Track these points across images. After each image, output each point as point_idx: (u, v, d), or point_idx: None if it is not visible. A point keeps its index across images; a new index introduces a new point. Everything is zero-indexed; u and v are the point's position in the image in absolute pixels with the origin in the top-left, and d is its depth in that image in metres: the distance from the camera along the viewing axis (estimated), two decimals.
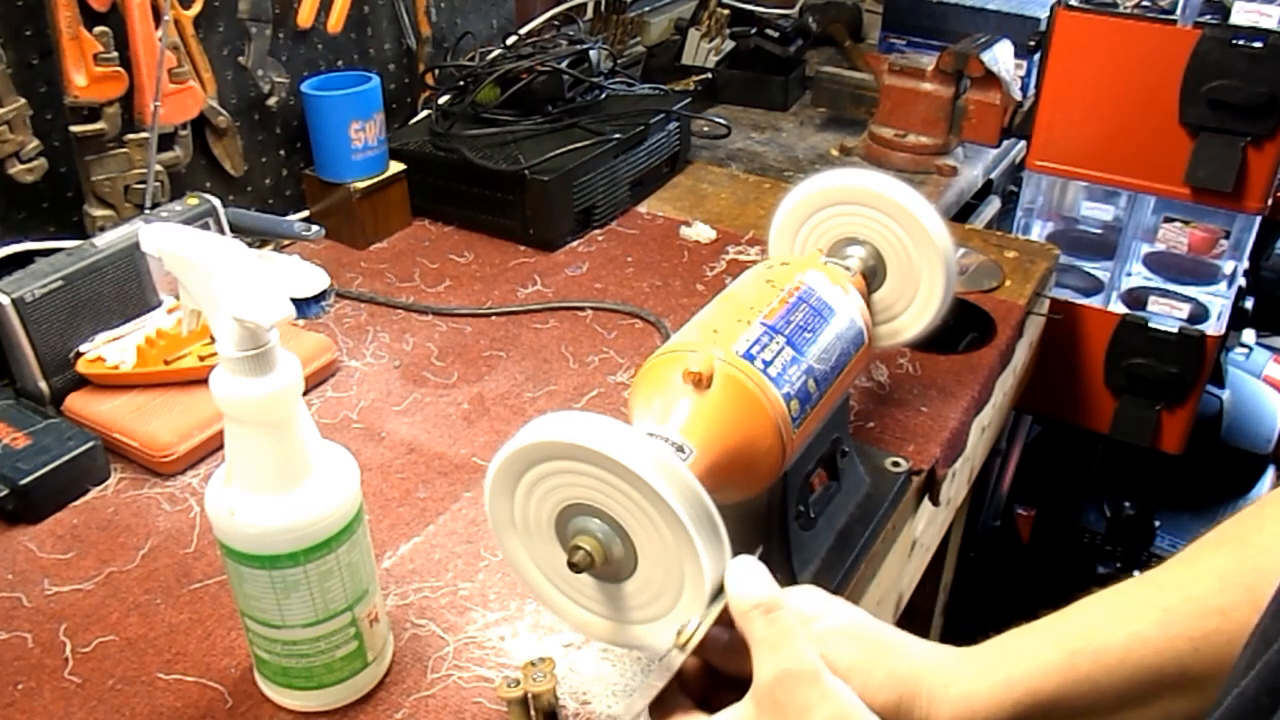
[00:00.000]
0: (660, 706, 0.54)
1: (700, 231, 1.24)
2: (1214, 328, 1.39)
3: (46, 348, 0.90)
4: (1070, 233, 1.55)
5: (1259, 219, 1.33)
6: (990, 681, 0.54)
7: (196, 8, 1.07)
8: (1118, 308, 1.44)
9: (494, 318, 1.10)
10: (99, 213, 1.03)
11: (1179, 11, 1.23)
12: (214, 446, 0.88)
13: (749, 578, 0.53)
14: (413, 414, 0.95)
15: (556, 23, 1.53)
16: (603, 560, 0.56)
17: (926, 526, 0.98)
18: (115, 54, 0.99)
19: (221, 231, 1.02)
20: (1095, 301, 1.45)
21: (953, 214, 1.44)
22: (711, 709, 0.53)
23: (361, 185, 1.20)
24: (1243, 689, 0.38)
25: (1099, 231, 1.54)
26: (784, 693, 0.50)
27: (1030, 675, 0.54)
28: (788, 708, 0.50)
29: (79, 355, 0.91)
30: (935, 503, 0.93)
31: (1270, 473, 1.88)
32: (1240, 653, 0.41)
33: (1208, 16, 1.22)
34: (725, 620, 0.54)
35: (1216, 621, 0.51)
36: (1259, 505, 0.55)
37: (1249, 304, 1.46)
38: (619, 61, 1.47)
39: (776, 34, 1.66)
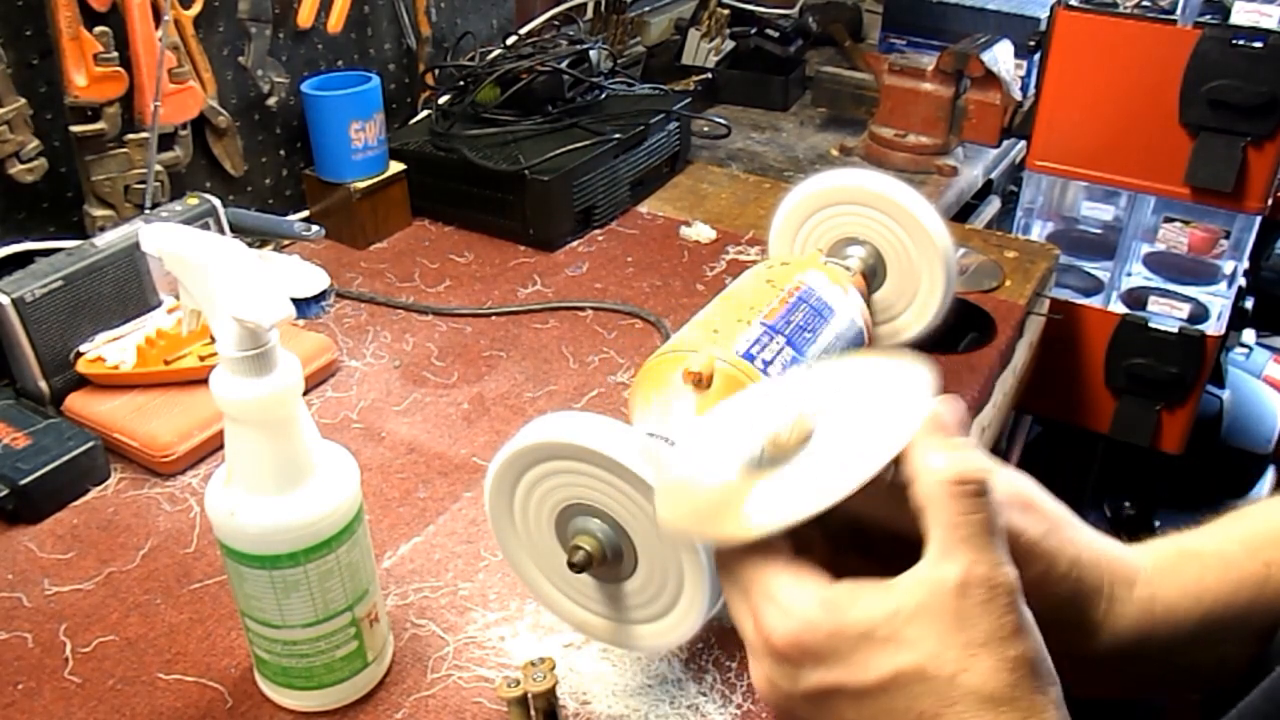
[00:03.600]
0: (762, 551, 0.41)
1: (700, 231, 1.24)
2: (1214, 328, 1.39)
3: (46, 348, 0.90)
4: (1070, 233, 1.55)
5: (1259, 219, 1.33)
6: (1180, 587, 0.47)
7: (196, 8, 1.07)
8: (1118, 308, 1.44)
9: (494, 318, 1.10)
10: (99, 213, 1.03)
11: (1179, 11, 1.23)
12: (214, 446, 0.88)
13: (956, 442, 0.41)
14: (413, 414, 0.95)
15: (556, 23, 1.53)
16: (603, 560, 0.56)
17: None
18: (115, 54, 0.99)
19: (221, 231, 1.02)
20: (1095, 301, 1.45)
21: (953, 214, 1.44)
22: (840, 576, 0.40)
23: (361, 185, 1.20)
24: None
25: (1099, 231, 1.54)
26: (972, 606, 0.38)
27: (1224, 585, 0.47)
28: (971, 626, 0.38)
29: (79, 355, 0.91)
30: None
31: (1270, 473, 1.88)
32: None
33: (1208, 16, 1.23)
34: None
35: None
36: None
37: (1249, 304, 1.46)
38: (619, 61, 1.47)
39: (776, 34, 1.66)
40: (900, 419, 0.41)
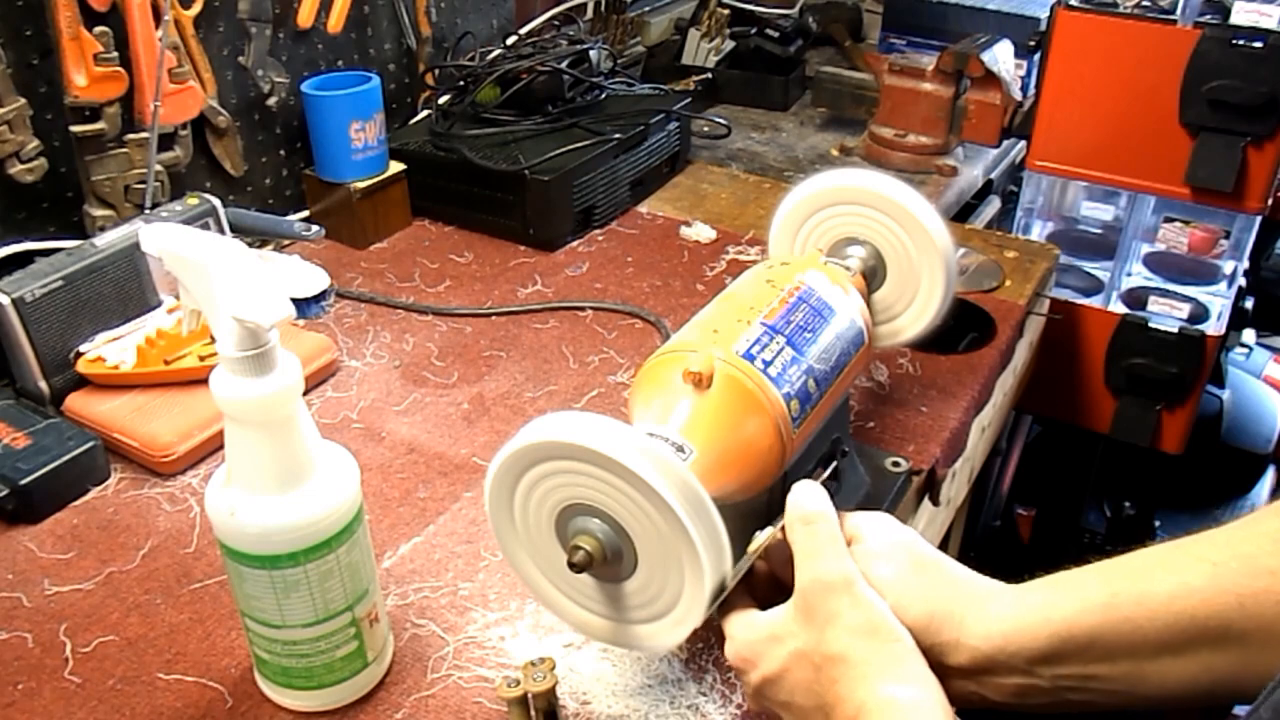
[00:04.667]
0: (726, 604, 0.58)
1: (700, 231, 1.24)
2: (1214, 328, 1.39)
3: (46, 348, 0.90)
4: (1070, 233, 1.55)
5: (1259, 219, 1.33)
6: (1028, 611, 0.55)
7: (196, 8, 1.07)
8: (1118, 308, 1.44)
9: (494, 318, 1.10)
10: (99, 213, 1.03)
11: (1179, 11, 1.23)
12: (214, 446, 0.88)
13: (804, 494, 0.58)
14: (413, 414, 0.95)
15: (556, 23, 1.53)
16: (603, 560, 0.56)
17: (926, 526, 0.98)
18: (115, 54, 0.99)
19: (221, 231, 1.02)
20: (1095, 301, 1.45)
21: (953, 214, 1.44)
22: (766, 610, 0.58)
23: (361, 185, 1.20)
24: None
25: (1099, 231, 1.54)
26: (815, 598, 0.54)
27: (1070, 609, 0.54)
28: (818, 612, 0.54)
29: (79, 355, 0.91)
30: (935, 503, 0.93)
31: (1270, 473, 1.88)
32: None
33: (1208, 16, 1.22)
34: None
35: (1267, 581, 0.50)
36: None
37: (1249, 304, 1.46)
38: (619, 61, 1.47)
39: (776, 34, 1.66)
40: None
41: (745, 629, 0.58)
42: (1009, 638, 0.54)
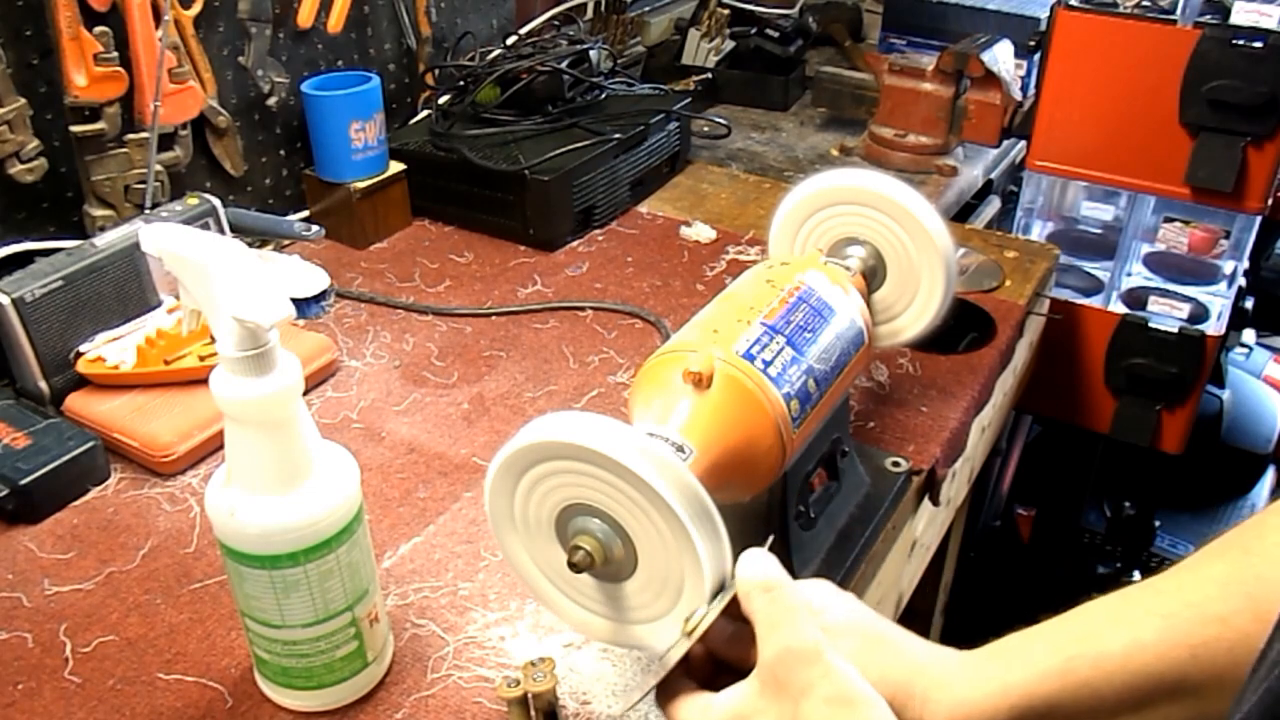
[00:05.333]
0: (666, 690, 0.55)
1: (700, 231, 1.24)
2: (1214, 328, 1.39)
3: (46, 348, 0.90)
4: (1070, 233, 1.55)
5: (1259, 219, 1.33)
6: (986, 685, 0.54)
7: (196, 8, 1.07)
8: (1118, 308, 1.44)
9: (494, 318, 1.10)
10: (99, 213, 1.03)
11: (1179, 11, 1.23)
12: (214, 446, 0.88)
13: (757, 562, 0.54)
14: (413, 414, 0.95)
15: (556, 23, 1.53)
16: (603, 560, 0.56)
17: (926, 526, 0.98)
18: (115, 54, 0.99)
19: (221, 231, 1.02)
20: (1095, 301, 1.45)
21: (953, 214, 1.44)
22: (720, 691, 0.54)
23: (361, 185, 1.20)
24: (1245, 714, 0.38)
25: (1099, 231, 1.54)
26: (785, 670, 0.51)
27: (1027, 679, 0.53)
28: (789, 685, 0.51)
29: (79, 355, 0.91)
30: (935, 503, 0.93)
31: (1270, 473, 1.88)
32: (1247, 677, 0.41)
33: (1208, 16, 1.22)
34: (732, 613, 0.54)
35: (1216, 629, 0.50)
36: (1263, 514, 0.54)
37: (1249, 304, 1.46)
38: (619, 61, 1.47)
39: (776, 34, 1.66)
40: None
41: (699, 714, 0.54)
42: (970, 715, 0.54)
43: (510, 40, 1.36)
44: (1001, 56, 1.42)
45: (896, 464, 0.86)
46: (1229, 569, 0.52)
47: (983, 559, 1.73)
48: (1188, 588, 0.53)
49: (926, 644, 0.57)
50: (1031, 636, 0.56)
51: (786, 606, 0.52)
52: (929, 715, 0.54)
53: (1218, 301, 1.43)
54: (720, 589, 0.55)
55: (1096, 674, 0.52)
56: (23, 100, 0.96)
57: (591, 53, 1.33)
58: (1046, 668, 0.53)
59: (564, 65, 1.29)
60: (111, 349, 0.92)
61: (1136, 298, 1.45)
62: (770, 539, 0.57)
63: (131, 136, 1.03)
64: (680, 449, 0.60)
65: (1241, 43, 1.18)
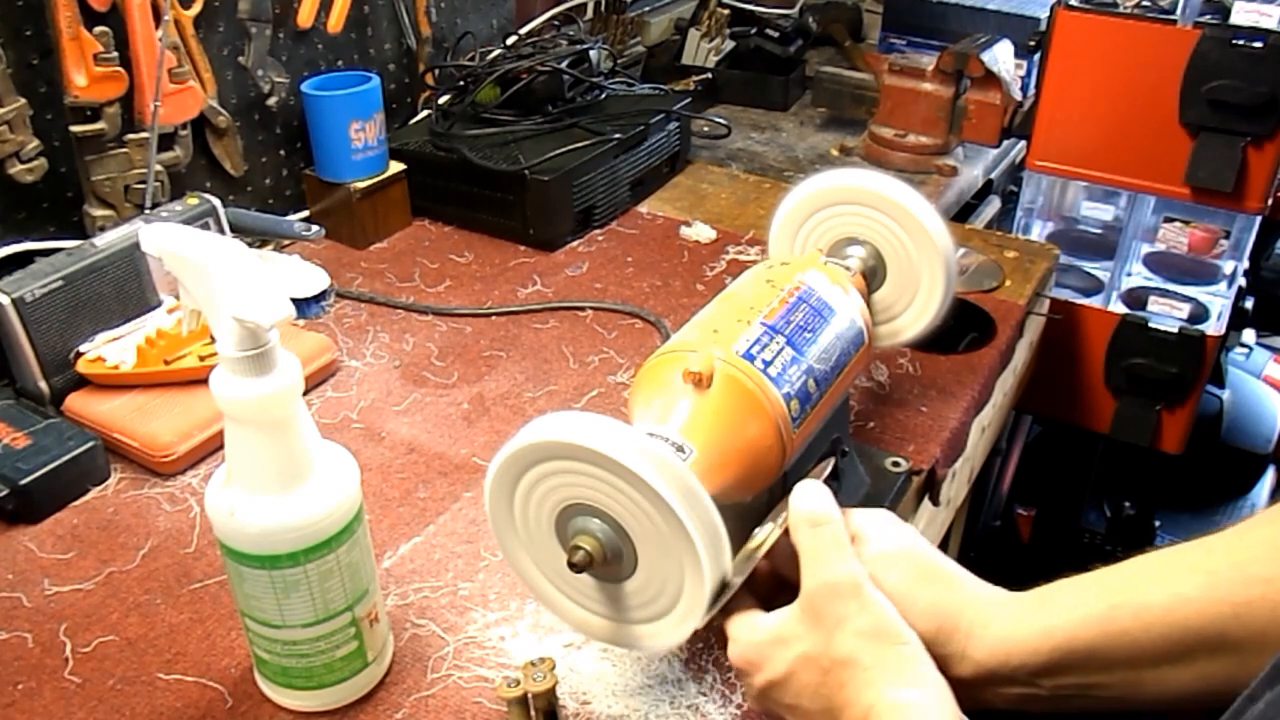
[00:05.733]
0: (728, 606, 0.57)
1: (700, 231, 1.24)
2: (1214, 328, 1.39)
3: (46, 348, 0.90)
4: (1070, 233, 1.55)
5: (1259, 219, 1.33)
6: (1029, 625, 0.55)
7: (196, 8, 1.07)
8: (1118, 308, 1.44)
9: (494, 318, 1.10)
10: (99, 213, 1.03)
11: (1179, 11, 1.23)
12: (214, 446, 0.88)
13: (809, 495, 0.57)
14: (413, 414, 0.95)
15: (556, 23, 1.53)
16: (603, 560, 0.56)
17: (926, 526, 0.98)
18: (115, 54, 0.99)
19: (221, 231, 1.02)
20: (1095, 301, 1.45)
21: (953, 214, 1.44)
22: (771, 611, 0.57)
23: (361, 185, 1.20)
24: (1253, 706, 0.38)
25: (1099, 231, 1.54)
26: (823, 601, 0.54)
27: (1069, 623, 0.55)
28: (825, 616, 0.54)
29: (79, 355, 0.91)
30: (935, 503, 0.93)
31: (1270, 473, 1.88)
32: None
33: (1208, 16, 1.22)
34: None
35: (1261, 589, 0.51)
36: None
37: (1249, 304, 1.46)
38: (619, 61, 1.47)
39: (776, 34, 1.66)
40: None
41: (749, 631, 0.57)
42: (1011, 653, 0.55)
43: (510, 40, 1.36)
44: (1001, 56, 1.42)
45: (896, 464, 0.86)
46: (1278, 533, 0.53)
47: (983, 559, 1.73)
48: (1234, 548, 0.54)
49: (977, 581, 0.59)
50: (1078, 584, 0.57)
51: (830, 540, 0.55)
52: (972, 649, 0.56)
53: (1218, 301, 1.43)
54: (719, 588, 0.55)
55: (1137, 624, 0.53)
56: (23, 100, 0.96)
57: (591, 53, 1.33)
58: (1088, 614, 0.55)
59: (564, 65, 1.29)
60: (111, 349, 0.92)
61: (1136, 298, 1.45)
62: (830, 466, 0.61)
63: (131, 136, 1.03)
64: (680, 449, 0.60)
65: (1241, 43, 1.18)
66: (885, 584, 0.56)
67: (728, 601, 0.57)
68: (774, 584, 0.61)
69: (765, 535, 0.58)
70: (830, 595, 0.54)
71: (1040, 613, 0.56)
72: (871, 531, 0.59)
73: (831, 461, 0.60)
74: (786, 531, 0.58)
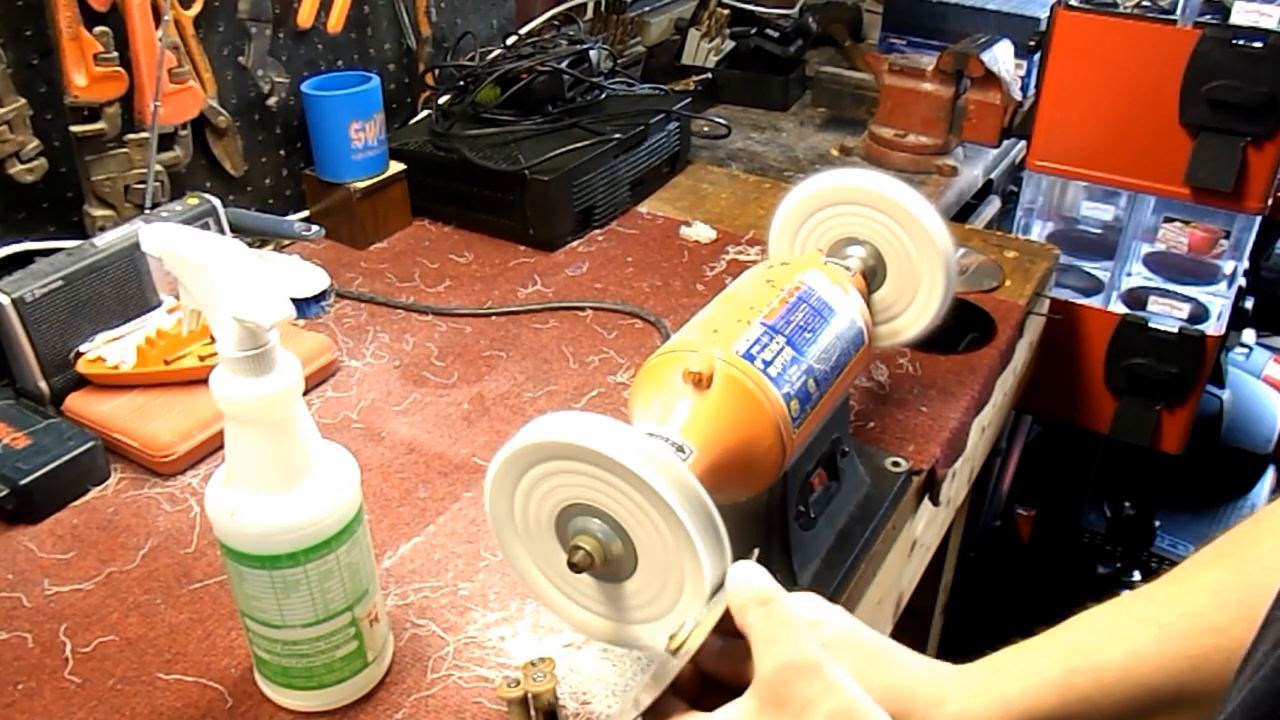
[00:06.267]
0: (654, 711, 0.53)
1: (700, 231, 1.24)
2: (1214, 328, 1.39)
3: (46, 348, 0.90)
4: (1070, 233, 1.55)
5: (1259, 219, 1.33)
6: (985, 699, 0.54)
7: (196, 8, 1.07)
8: (1118, 308, 1.44)
9: (494, 318, 1.10)
10: (99, 213, 1.03)
11: (1179, 11, 1.23)
12: (214, 446, 0.88)
13: (747, 575, 0.52)
14: (413, 414, 0.95)
15: (556, 23, 1.53)
16: (603, 560, 0.56)
17: (926, 526, 0.98)
18: (115, 54, 0.99)
19: (221, 231, 1.02)
20: (1095, 301, 1.45)
21: (953, 214, 1.44)
22: (705, 711, 0.52)
23: (361, 185, 1.20)
24: (1229, 715, 0.38)
25: (1099, 231, 1.54)
26: (785, 685, 0.49)
27: (1026, 694, 0.53)
28: (790, 701, 0.49)
29: (79, 355, 0.91)
30: (935, 503, 0.93)
31: (1270, 473, 1.88)
32: (1232, 679, 0.41)
33: (1208, 16, 1.22)
34: (720, 628, 0.53)
35: (1214, 639, 0.50)
36: (1254, 520, 0.54)
37: (1249, 304, 1.46)
38: (619, 61, 1.47)
39: (776, 34, 1.66)
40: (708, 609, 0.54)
41: None
42: None
43: (510, 40, 1.36)
44: (1001, 56, 1.42)
45: (896, 464, 0.86)
46: (1223, 577, 0.52)
47: (983, 559, 1.73)
48: (1180, 598, 0.53)
49: (923, 658, 0.57)
50: (1029, 649, 0.55)
51: (784, 619, 0.50)
52: None
53: (1218, 301, 1.43)
54: (718, 591, 0.55)
55: (1096, 688, 0.52)
56: (23, 100, 0.96)
57: (591, 53, 1.33)
58: (1045, 681, 0.53)
59: (564, 65, 1.29)
60: (111, 349, 0.92)
61: (1136, 298, 1.45)
62: (756, 551, 0.56)
63: (131, 136, 1.03)
64: (680, 449, 0.60)
65: (1241, 43, 1.18)
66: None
67: (657, 709, 0.53)
68: (699, 685, 0.56)
69: (689, 631, 0.53)
70: (793, 677, 0.49)
71: (995, 685, 0.54)
72: (814, 615, 0.56)
73: (757, 551, 0.56)
74: (717, 626, 0.53)
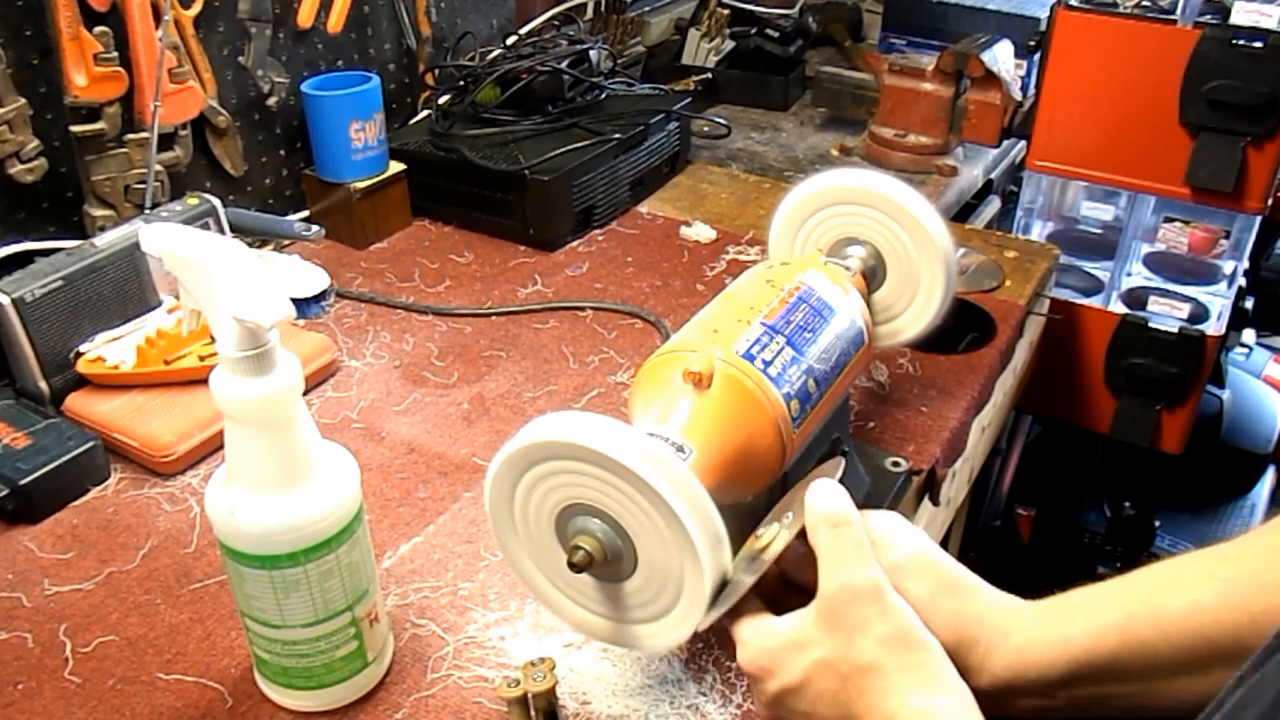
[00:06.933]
0: (737, 609, 0.56)
1: (700, 231, 1.24)
2: (1214, 328, 1.39)
3: (46, 348, 0.90)
4: (1070, 233, 1.55)
5: (1259, 219, 1.33)
6: (1048, 637, 0.55)
7: (196, 8, 1.07)
8: (1118, 308, 1.44)
9: (494, 318, 1.10)
10: (99, 213, 1.03)
11: (1179, 11, 1.23)
12: (214, 446, 0.88)
13: (829, 494, 0.55)
14: (413, 414, 0.95)
15: (556, 23, 1.53)
16: (603, 560, 0.56)
17: (926, 526, 0.98)
18: (115, 54, 0.99)
19: (221, 231, 1.02)
20: (1095, 301, 1.45)
21: (953, 214, 1.44)
22: (781, 614, 0.56)
23: (361, 185, 1.20)
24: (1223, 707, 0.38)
25: (1099, 231, 1.54)
26: (843, 605, 0.52)
27: (1088, 635, 0.54)
28: (845, 620, 0.52)
29: (79, 355, 0.91)
30: (935, 503, 0.93)
31: (1270, 473, 1.88)
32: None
33: (1208, 16, 1.22)
34: (803, 537, 0.56)
35: (1276, 597, 0.51)
36: None
37: (1249, 304, 1.46)
38: (619, 61, 1.47)
39: (776, 34, 1.66)
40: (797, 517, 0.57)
41: (761, 635, 0.55)
42: (1029, 664, 0.55)
43: (510, 40, 1.36)
44: (1001, 56, 1.42)
45: (896, 464, 0.86)
46: None
47: (983, 559, 1.73)
48: (1250, 555, 0.54)
49: (994, 591, 0.58)
50: (1094, 593, 0.57)
51: (851, 542, 0.53)
52: (990, 662, 0.55)
53: (1218, 301, 1.43)
54: (718, 590, 0.55)
55: (1156, 634, 0.53)
56: (23, 100, 0.96)
57: (591, 53, 1.33)
58: (1107, 624, 0.54)
59: (564, 65, 1.29)
60: (111, 349, 0.92)
61: (1136, 298, 1.45)
62: (842, 466, 0.59)
63: (131, 136, 1.03)
64: (680, 449, 0.60)
65: (1241, 43, 1.18)
66: (906, 593, 0.55)
67: (736, 604, 0.55)
68: (780, 587, 0.60)
69: (773, 535, 0.56)
70: (851, 599, 0.52)
71: (1058, 623, 0.55)
72: (889, 537, 0.58)
73: (842, 462, 0.58)
74: (800, 533, 0.56)
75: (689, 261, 1.19)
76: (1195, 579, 0.54)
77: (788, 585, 0.60)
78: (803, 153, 1.53)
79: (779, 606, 0.57)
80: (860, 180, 0.79)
